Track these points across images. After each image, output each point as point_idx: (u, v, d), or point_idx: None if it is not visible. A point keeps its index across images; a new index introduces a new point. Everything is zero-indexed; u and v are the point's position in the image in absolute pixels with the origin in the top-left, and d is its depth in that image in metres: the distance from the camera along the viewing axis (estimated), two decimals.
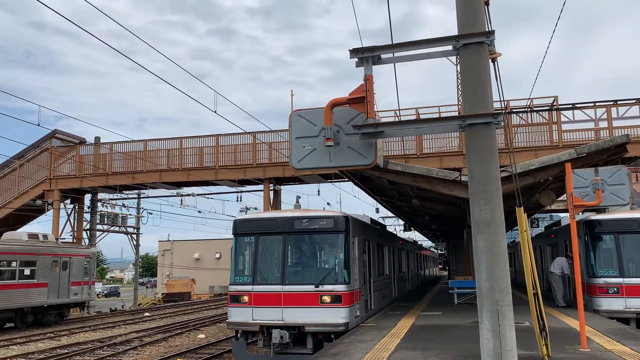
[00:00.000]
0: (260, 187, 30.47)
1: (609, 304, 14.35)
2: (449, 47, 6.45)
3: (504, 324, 5.58)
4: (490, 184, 5.81)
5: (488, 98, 6.05)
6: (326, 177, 29.53)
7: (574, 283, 15.45)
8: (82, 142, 32.93)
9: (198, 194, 35.03)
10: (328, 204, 43.11)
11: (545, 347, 8.57)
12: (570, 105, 24.91)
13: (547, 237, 21.96)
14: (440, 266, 65.32)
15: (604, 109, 24.33)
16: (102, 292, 68.51)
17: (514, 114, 24.75)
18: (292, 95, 26.96)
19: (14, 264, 23.40)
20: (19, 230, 30.77)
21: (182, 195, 34.91)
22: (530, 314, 8.27)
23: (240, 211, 39.62)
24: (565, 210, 34.69)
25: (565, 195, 18.05)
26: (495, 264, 5.70)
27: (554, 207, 31.17)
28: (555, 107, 23.81)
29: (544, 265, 22.74)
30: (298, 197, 16.39)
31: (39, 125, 17.28)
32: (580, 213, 14.80)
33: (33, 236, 26.08)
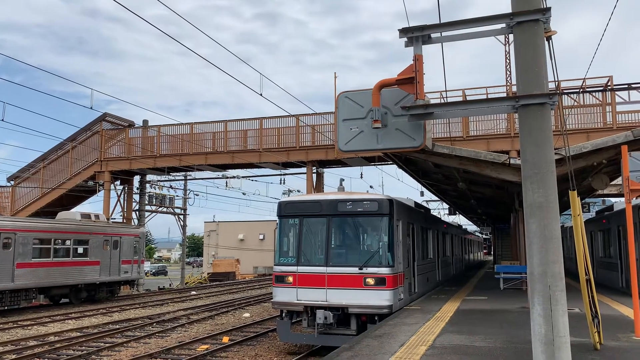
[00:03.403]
0: (303, 169, 30.63)
1: None
2: (502, 26, 6.25)
3: (556, 309, 5.44)
4: (544, 167, 5.65)
5: (543, 78, 5.85)
6: (369, 160, 29.39)
7: (627, 270, 14.94)
8: (131, 124, 33.77)
9: (243, 176, 35.55)
10: (371, 187, 42.92)
11: (597, 334, 8.35)
12: (626, 85, 23.79)
13: (598, 222, 21.29)
14: (485, 251, 64.43)
15: None
16: (151, 271, 70.80)
17: (565, 95, 23.90)
18: (335, 77, 26.51)
19: (68, 242, 24.36)
20: (72, 210, 32.05)
21: (227, 177, 35.47)
22: (579, 300, 8.06)
23: (284, 193, 39.97)
24: (618, 195, 33.57)
25: (619, 179, 17.46)
26: (548, 248, 5.55)
27: (606, 191, 30.17)
28: (609, 87, 22.86)
29: (594, 251, 22.11)
30: (342, 180, 16.39)
31: (91, 108, 17.82)
32: (636, 198, 14.24)
33: (85, 216, 27.05)
